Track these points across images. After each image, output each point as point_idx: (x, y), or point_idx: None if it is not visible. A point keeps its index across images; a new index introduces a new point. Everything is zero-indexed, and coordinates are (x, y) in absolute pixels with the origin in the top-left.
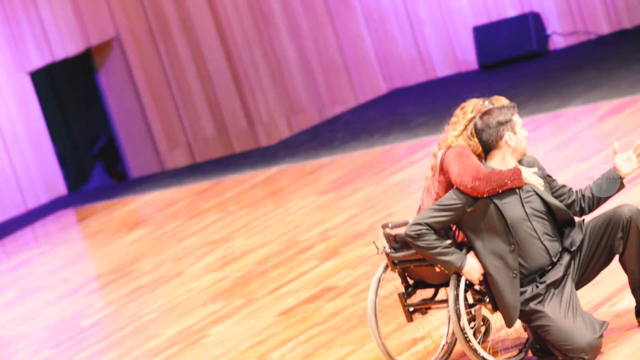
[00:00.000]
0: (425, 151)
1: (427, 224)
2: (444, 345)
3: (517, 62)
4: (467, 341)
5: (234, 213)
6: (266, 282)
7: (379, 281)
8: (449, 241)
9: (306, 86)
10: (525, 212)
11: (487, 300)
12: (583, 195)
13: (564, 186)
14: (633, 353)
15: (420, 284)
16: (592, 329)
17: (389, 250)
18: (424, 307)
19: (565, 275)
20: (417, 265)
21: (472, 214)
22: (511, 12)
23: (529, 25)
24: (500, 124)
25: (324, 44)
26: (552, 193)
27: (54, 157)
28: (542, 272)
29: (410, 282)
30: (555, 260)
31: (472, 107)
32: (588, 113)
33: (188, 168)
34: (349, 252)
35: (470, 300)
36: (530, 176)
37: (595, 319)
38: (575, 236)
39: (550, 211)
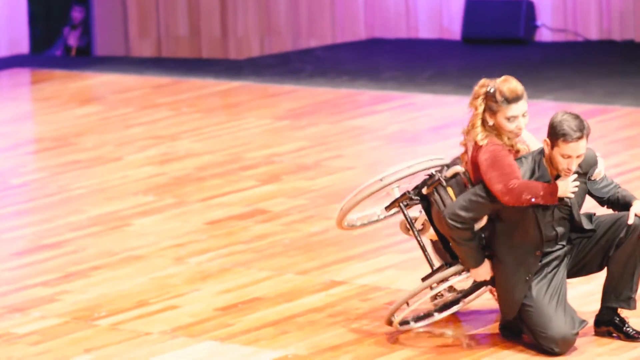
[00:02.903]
0: (389, 104)
1: (471, 220)
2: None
3: (500, 43)
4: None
5: (186, 115)
6: (201, 188)
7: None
8: (476, 242)
9: (288, 11)
10: (553, 218)
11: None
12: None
13: (608, 185)
14: (605, 353)
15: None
16: (571, 323)
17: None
18: (413, 233)
19: (562, 260)
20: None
21: (507, 209)
22: None
23: (521, 11)
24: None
25: None
26: (593, 187)
27: (25, 15)
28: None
29: None
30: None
31: (480, 99)
32: (557, 110)
33: (152, 60)
34: (290, 181)
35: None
36: (566, 191)
37: (577, 315)
38: (584, 226)
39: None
